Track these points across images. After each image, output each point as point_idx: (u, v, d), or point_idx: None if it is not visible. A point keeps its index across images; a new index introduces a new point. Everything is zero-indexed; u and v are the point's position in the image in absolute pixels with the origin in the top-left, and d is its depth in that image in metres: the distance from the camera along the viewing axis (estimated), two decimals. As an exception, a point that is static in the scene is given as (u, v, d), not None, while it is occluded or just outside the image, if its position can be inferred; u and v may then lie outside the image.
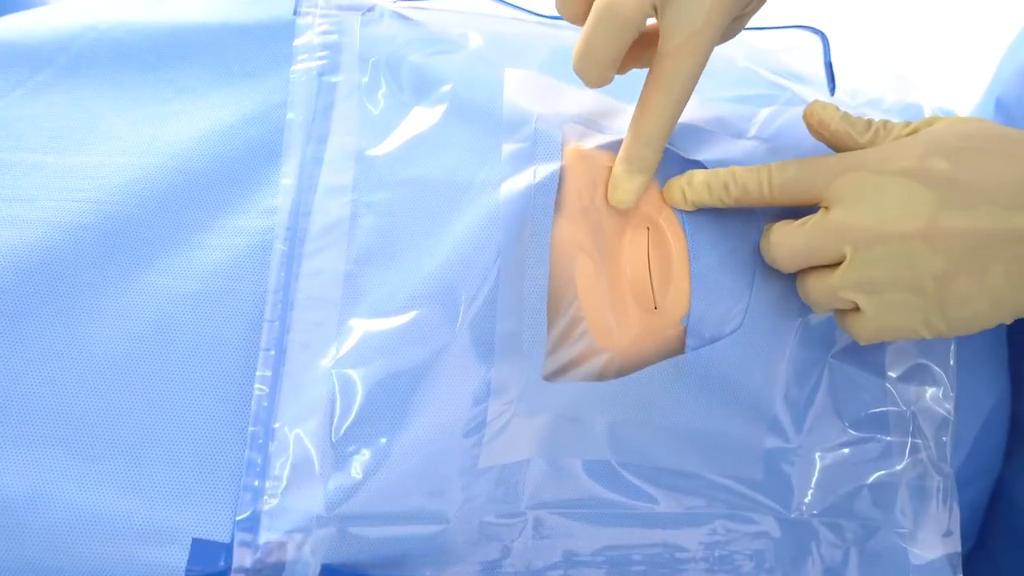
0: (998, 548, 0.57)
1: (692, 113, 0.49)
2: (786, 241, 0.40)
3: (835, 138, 0.42)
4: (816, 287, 0.41)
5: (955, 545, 0.47)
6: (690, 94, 0.41)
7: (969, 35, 0.62)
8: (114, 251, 0.44)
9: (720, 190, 0.43)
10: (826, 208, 0.39)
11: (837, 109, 0.42)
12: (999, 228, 0.35)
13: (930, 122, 0.41)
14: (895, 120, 0.47)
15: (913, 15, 0.65)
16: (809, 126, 0.43)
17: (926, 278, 0.36)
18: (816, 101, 0.43)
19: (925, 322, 0.38)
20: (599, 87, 0.42)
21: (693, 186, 0.43)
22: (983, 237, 0.36)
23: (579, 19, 0.43)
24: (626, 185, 0.43)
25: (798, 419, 0.46)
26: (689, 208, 0.44)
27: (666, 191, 0.44)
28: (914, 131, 0.41)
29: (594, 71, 0.41)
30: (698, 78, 0.41)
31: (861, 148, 0.41)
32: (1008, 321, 0.38)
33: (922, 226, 0.36)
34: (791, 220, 0.41)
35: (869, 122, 0.42)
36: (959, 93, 0.63)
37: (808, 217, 0.40)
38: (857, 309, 0.40)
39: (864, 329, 0.40)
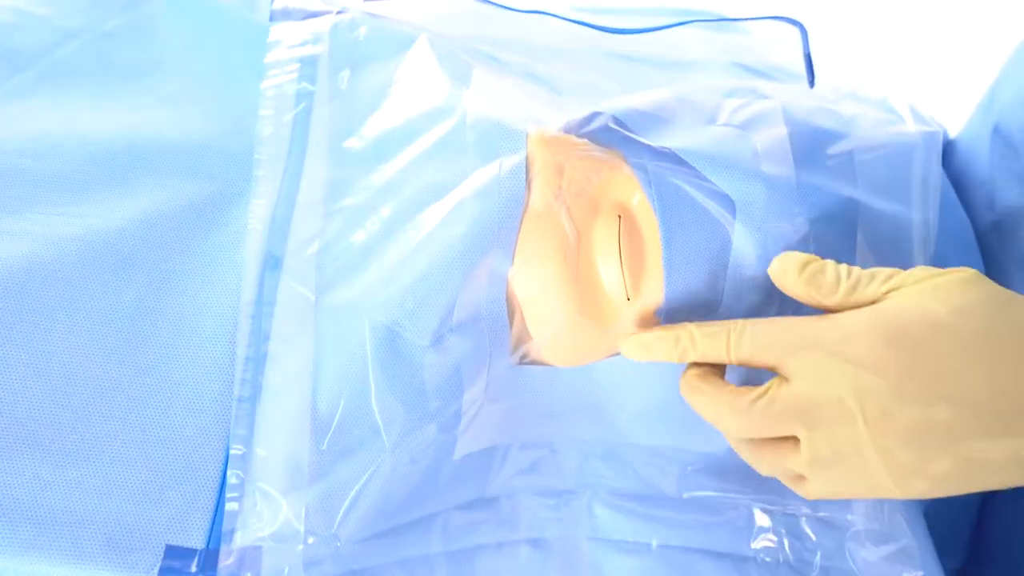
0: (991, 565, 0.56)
1: (661, 100, 0.47)
2: (736, 420, 0.39)
3: (800, 298, 0.40)
4: (767, 459, 0.40)
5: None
6: None
7: (958, 32, 0.60)
8: (94, 265, 0.44)
9: (678, 352, 0.41)
10: (782, 380, 0.38)
11: (803, 267, 0.39)
12: (953, 424, 0.35)
13: (914, 279, 0.38)
14: (872, 111, 0.47)
15: (902, 11, 0.63)
16: (774, 280, 0.40)
17: (874, 462, 0.37)
18: (782, 256, 0.40)
19: (871, 490, 0.38)
20: None
21: (651, 349, 0.41)
22: (933, 433, 0.36)
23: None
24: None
25: None
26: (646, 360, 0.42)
27: (625, 350, 0.42)
28: (893, 289, 0.38)
29: None
30: None
31: (827, 308, 0.39)
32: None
33: (873, 416, 0.36)
34: (744, 391, 0.39)
35: (836, 283, 0.39)
36: (943, 89, 0.62)
37: (758, 393, 0.38)
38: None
39: (812, 494, 0.40)
